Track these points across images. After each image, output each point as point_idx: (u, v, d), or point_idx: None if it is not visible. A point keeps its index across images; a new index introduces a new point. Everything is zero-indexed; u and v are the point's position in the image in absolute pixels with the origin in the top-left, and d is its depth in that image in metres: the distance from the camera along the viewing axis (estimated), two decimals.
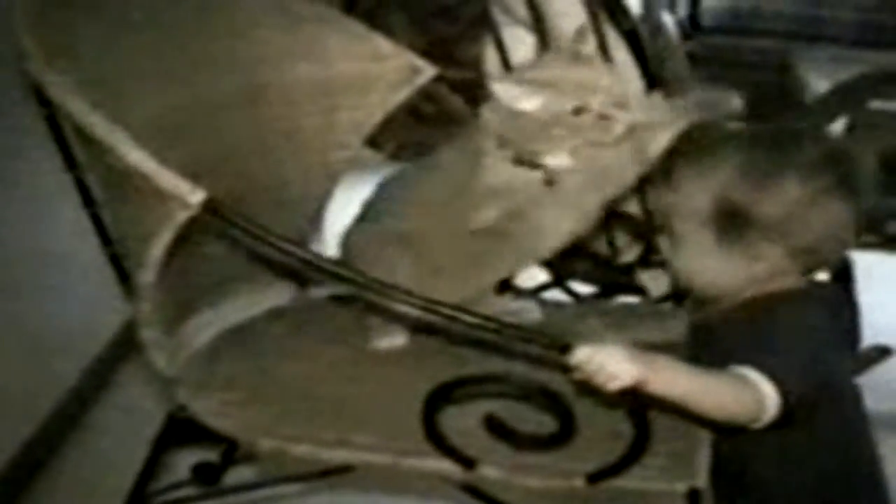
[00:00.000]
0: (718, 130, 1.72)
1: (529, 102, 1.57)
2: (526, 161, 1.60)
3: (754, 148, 1.55)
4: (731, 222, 1.51)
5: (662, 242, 1.65)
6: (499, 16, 2.06)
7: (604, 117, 1.57)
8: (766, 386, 1.40)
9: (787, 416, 1.42)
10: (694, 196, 1.55)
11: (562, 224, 1.65)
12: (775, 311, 1.52)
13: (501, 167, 1.61)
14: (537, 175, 1.60)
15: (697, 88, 3.07)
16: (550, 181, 1.60)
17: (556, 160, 1.59)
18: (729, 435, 1.51)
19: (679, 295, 1.87)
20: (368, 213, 1.80)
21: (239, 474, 2.05)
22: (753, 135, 1.61)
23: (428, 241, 1.68)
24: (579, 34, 1.65)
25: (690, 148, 1.58)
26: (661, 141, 1.60)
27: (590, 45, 1.66)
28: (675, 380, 1.37)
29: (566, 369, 1.35)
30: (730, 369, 1.41)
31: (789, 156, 1.52)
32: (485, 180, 1.63)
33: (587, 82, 1.59)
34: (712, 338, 1.58)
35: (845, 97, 2.77)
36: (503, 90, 1.58)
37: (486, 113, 1.63)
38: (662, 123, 1.63)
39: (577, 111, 1.56)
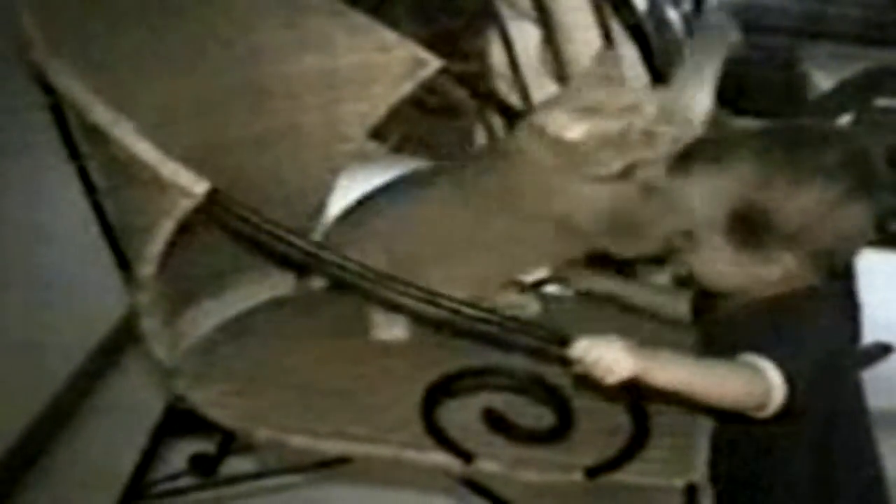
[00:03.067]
0: (735, 132, 1.71)
1: (577, 130, 1.57)
2: (627, 174, 1.61)
3: (772, 150, 1.52)
4: (750, 227, 1.50)
5: (678, 242, 1.63)
6: (503, 8, 2.06)
7: (648, 134, 1.58)
8: (773, 373, 1.39)
9: (788, 413, 1.41)
10: (711, 199, 1.53)
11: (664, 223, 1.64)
12: (786, 310, 1.52)
13: (585, 188, 1.62)
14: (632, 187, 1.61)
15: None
16: (650, 187, 1.61)
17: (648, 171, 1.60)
18: (730, 430, 1.51)
19: (697, 310, 1.87)
20: (356, 216, 1.80)
21: (236, 465, 2.05)
22: (771, 136, 1.59)
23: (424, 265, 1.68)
24: (598, 59, 1.66)
25: (707, 148, 1.58)
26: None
27: (615, 69, 1.66)
28: (676, 371, 1.36)
29: (565, 362, 1.35)
30: (737, 358, 1.40)
31: (809, 159, 1.50)
32: (567, 205, 1.63)
33: (628, 104, 1.60)
34: (721, 337, 1.57)
35: (850, 94, 2.77)
36: (551, 121, 1.58)
37: (525, 141, 1.63)
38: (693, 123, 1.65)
39: (623, 133, 1.58)
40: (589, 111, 1.59)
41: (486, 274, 1.73)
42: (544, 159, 1.61)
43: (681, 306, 1.75)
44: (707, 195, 1.53)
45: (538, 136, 1.61)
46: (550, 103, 1.69)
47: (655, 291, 1.86)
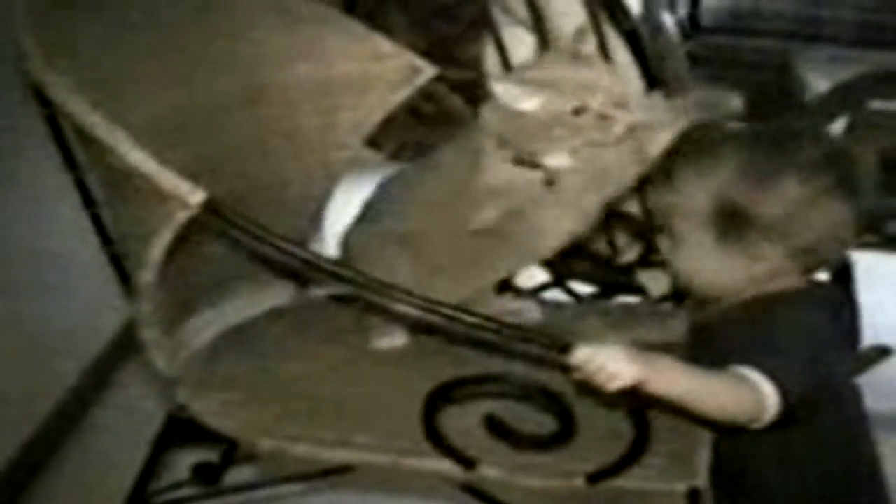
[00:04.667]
0: (718, 130, 1.72)
1: (529, 102, 1.56)
2: (526, 161, 1.59)
3: (754, 148, 1.55)
4: (732, 222, 1.52)
5: (662, 242, 1.65)
6: (499, 16, 2.06)
7: (604, 117, 1.56)
8: (766, 386, 1.40)
9: (787, 416, 1.42)
10: (694, 196, 1.55)
11: (562, 224, 1.65)
12: (775, 311, 1.52)
13: (501, 167, 1.61)
14: (537, 175, 1.60)
15: (697, 88, 3.07)
16: (550, 181, 1.60)
17: (556, 160, 1.59)
18: (729, 435, 1.51)
19: (679, 295, 1.87)
20: (368, 214, 1.79)
21: (239, 474, 2.05)
22: (753, 135, 1.61)
23: (428, 241, 1.68)
24: (579, 34, 1.65)
25: (690, 148, 1.58)
26: (661, 141, 1.60)
27: (590, 45, 1.65)
28: (675, 380, 1.37)
29: (566, 369, 1.35)
30: (730, 369, 1.41)
31: (789, 156, 1.52)
32: (485, 180, 1.63)
33: (587, 82, 1.58)
34: (712, 338, 1.58)
35: (845, 97, 2.77)
36: (503, 90, 1.58)
37: (486, 113, 1.63)
38: (662, 123, 1.63)
39: (577, 111, 1.56)
40: (544, 85, 1.58)
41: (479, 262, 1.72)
42: (495, 128, 1.61)
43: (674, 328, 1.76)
44: (691, 191, 1.54)
45: (493, 105, 1.61)
46: (510, 74, 1.69)
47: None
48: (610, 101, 1.57)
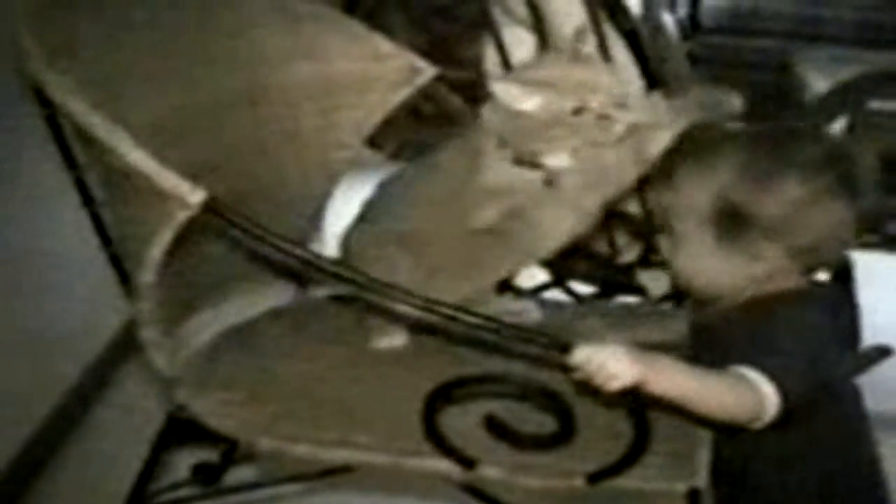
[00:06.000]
0: (718, 130, 1.72)
1: (529, 102, 1.56)
2: (526, 161, 1.59)
3: (754, 147, 1.55)
4: (731, 222, 1.52)
5: (662, 242, 1.65)
6: (499, 16, 2.06)
7: (603, 117, 1.56)
8: (766, 386, 1.40)
9: (787, 416, 1.42)
10: (694, 196, 1.55)
11: (561, 224, 1.65)
12: (775, 311, 1.52)
13: (501, 167, 1.61)
14: (537, 175, 1.60)
15: (697, 88, 3.07)
16: (550, 181, 1.60)
17: (556, 160, 1.59)
18: (729, 435, 1.51)
19: (679, 295, 1.87)
20: (368, 214, 1.79)
21: (239, 474, 2.05)
22: (753, 134, 1.61)
23: (428, 241, 1.68)
24: (579, 34, 1.65)
25: (690, 148, 1.58)
26: (661, 141, 1.60)
27: (589, 45, 1.65)
28: (675, 380, 1.37)
29: (566, 369, 1.35)
30: (730, 369, 1.41)
31: (789, 155, 1.52)
32: (485, 180, 1.63)
33: (587, 82, 1.58)
34: (712, 338, 1.58)
35: (845, 97, 2.77)
36: (503, 90, 1.58)
37: (486, 113, 1.63)
38: (662, 123, 1.63)
39: (577, 111, 1.56)
40: (544, 85, 1.58)
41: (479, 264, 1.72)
42: (496, 128, 1.61)
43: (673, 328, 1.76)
44: (690, 192, 1.54)
45: (493, 105, 1.61)
46: (510, 74, 1.69)
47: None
48: (610, 101, 1.57)
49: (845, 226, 1.53)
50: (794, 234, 1.50)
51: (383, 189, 1.81)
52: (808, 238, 1.51)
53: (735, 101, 2.89)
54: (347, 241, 1.79)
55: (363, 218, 1.80)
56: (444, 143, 1.77)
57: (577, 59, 1.62)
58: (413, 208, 1.73)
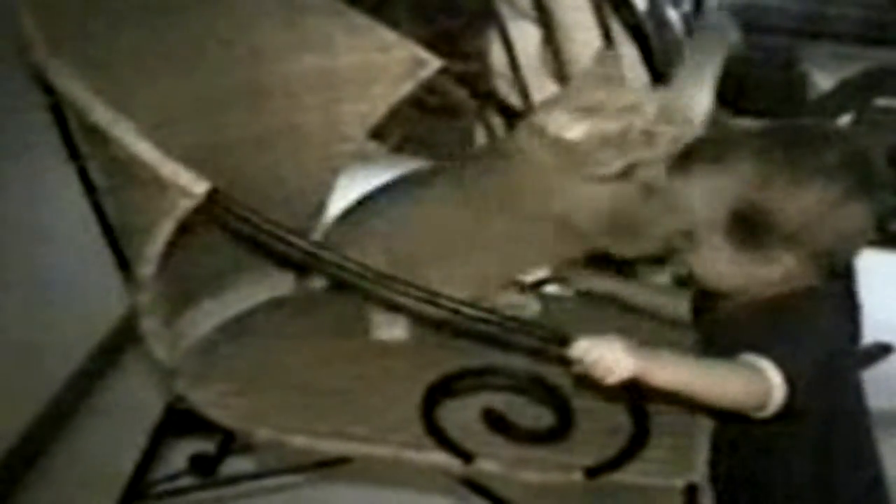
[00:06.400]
0: (734, 130, 1.71)
1: (577, 130, 1.57)
2: (627, 174, 1.61)
3: (772, 151, 1.52)
4: (749, 226, 1.50)
5: (678, 244, 1.63)
6: (503, 8, 2.06)
7: (648, 134, 1.57)
8: (773, 372, 1.39)
9: (791, 409, 1.41)
10: (711, 199, 1.53)
11: (664, 223, 1.64)
12: (786, 309, 1.52)
13: (575, 190, 1.61)
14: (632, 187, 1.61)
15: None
16: (650, 188, 1.60)
17: (651, 172, 1.60)
18: (733, 425, 1.50)
19: (697, 310, 1.87)
20: (357, 215, 1.80)
21: (236, 465, 2.05)
22: (770, 136, 1.58)
23: (433, 265, 1.68)
24: (598, 59, 1.66)
25: (707, 148, 1.58)
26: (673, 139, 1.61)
27: (615, 69, 1.66)
28: (676, 371, 1.36)
29: (565, 362, 1.35)
30: (737, 358, 1.40)
31: (809, 159, 1.50)
32: (559, 206, 1.63)
33: (628, 104, 1.60)
34: (723, 336, 1.57)
35: (850, 94, 2.77)
36: (552, 121, 1.58)
37: (526, 142, 1.63)
38: (676, 121, 1.64)
39: (623, 133, 1.57)
40: (589, 111, 1.59)
41: (485, 274, 1.72)
42: (544, 159, 1.61)
43: (681, 306, 1.75)
44: (707, 195, 1.53)
45: (538, 136, 1.61)
46: (550, 103, 1.69)
47: (655, 292, 1.86)
48: (652, 118, 1.58)
49: (864, 228, 1.52)
50: (813, 239, 1.49)
51: (381, 198, 1.81)
52: (827, 242, 1.49)
53: (733, 35, 2.88)
54: (326, 237, 1.80)
55: (347, 216, 1.81)
56: (457, 165, 1.78)
57: (610, 82, 1.63)
58: (415, 218, 1.73)
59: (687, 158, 1.56)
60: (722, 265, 1.54)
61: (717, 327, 1.60)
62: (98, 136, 1.43)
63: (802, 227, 1.47)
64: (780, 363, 1.39)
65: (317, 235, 1.88)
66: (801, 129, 1.62)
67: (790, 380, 1.39)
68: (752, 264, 1.51)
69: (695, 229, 1.54)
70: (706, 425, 1.56)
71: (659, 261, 1.83)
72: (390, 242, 1.70)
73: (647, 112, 1.59)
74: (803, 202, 1.47)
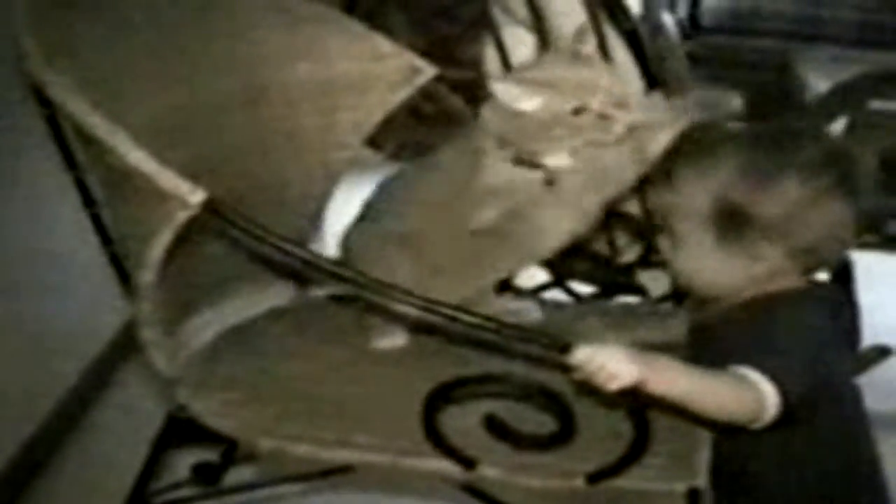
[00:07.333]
0: (718, 130, 1.72)
1: (529, 102, 1.57)
2: (526, 161, 1.60)
3: (754, 148, 1.55)
4: (731, 222, 1.51)
5: (662, 242, 1.65)
6: (499, 16, 2.06)
7: (604, 117, 1.57)
8: (766, 386, 1.40)
9: (787, 415, 1.42)
10: (694, 196, 1.55)
11: (562, 224, 1.65)
12: (775, 311, 1.52)
13: (501, 167, 1.61)
14: (537, 175, 1.60)
15: (697, 88, 3.07)
16: (551, 181, 1.60)
17: (556, 160, 1.59)
18: (729, 435, 1.51)
19: (679, 295, 1.87)
20: (368, 214, 1.79)
21: (239, 474, 2.05)
22: (753, 135, 1.61)
23: (428, 241, 1.68)
24: (579, 34, 1.65)
25: (690, 148, 1.58)
26: (661, 141, 1.60)
27: (589, 45, 1.65)
28: (675, 380, 1.37)
29: (566, 369, 1.35)
30: (729, 369, 1.41)
31: (789, 156, 1.52)
32: (484, 180, 1.63)
33: (587, 82, 1.58)
34: (712, 338, 1.58)
35: (845, 97, 2.77)
36: (503, 90, 1.58)
37: (486, 113, 1.63)
38: (662, 123, 1.63)
39: (577, 111, 1.56)
40: (544, 85, 1.58)
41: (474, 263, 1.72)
42: (496, 128, 1.61)
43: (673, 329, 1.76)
44: (691, 192, 1.54)
45: (493, 105, 1.61)
46: (510, 74, 1.69)
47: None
48: (610, 100, 1.57)
49: (845, 226, 1.53)
50: (794, 234, 1.50)
51: (383, 189, 1.81)
52: (808, 238, 1.51)
53: (734, 102, 2.89)
54: (347, 240, 1.79)
55: (363, 218, 1.80)
56: (445, 143, 1.77)
57: (577, 60, 1.63)
58: (413, 208, 1.73)
59: (672, 157, 1.57)
60: (707, 262, 1.55)
61: (707, 330, 1.61)
62: (95, 146, 1.43)
63: (782, 221, 1.49)
64: (773, 375, 1.40)
65: (330, 241, 1.87)
66: (784, 128, 1.65)
67: (783, 392, 1.40)
68: (736, 260, 1.53)
69: (680, 227, 1.56)
70: (707, 430, 1.56)
71: (658, 263, 1.84)
72: (411, 248, 1.69)
73: (603, 92, 1.57)
74: (781, 196, 1.49)
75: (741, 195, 1.50)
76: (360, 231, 1.78)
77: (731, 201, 1.51)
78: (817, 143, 1.58)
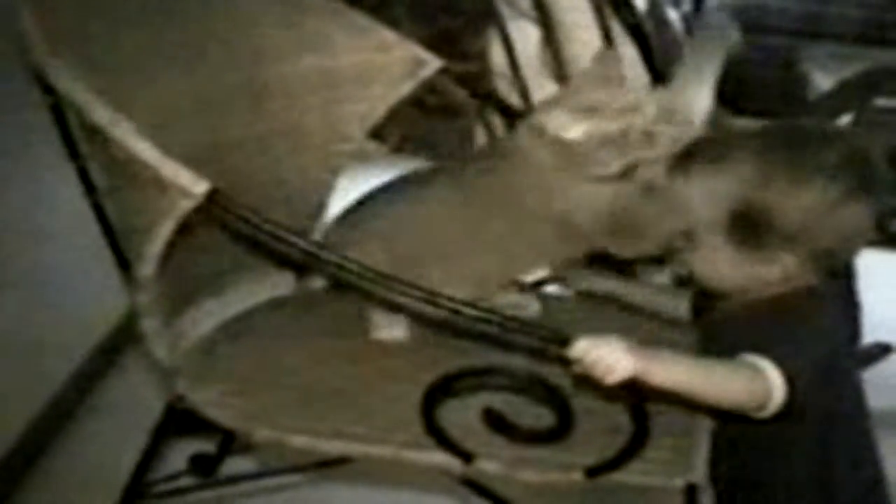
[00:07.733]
0: (734, 131, 1.71)
1: (577, 130, 1.57)
2: (627, 174, 1.61)
3: (772, 150, 1.52)
4: (749, 226, 1.49)
5: (677, 242, 1.63)
6: (503, 8, 2.06)
7: (648, 134, 1.58)
8: (773, 373, 1.39)
9: (789, 410, 1.41)
10: (711, 199, 1.53)
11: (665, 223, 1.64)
12: (786, 309, 1.51)
13: (574, 189, 1.61)
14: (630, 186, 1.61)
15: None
16: (651, 187, 1.60)
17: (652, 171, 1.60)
18: (733, 425, 1.50)
19: (697, 310, 1.87)
20: (351, 217, 1.80)
21: (236, 465, 2.05)
22: (770, 136, 1.58)
23: (425, 259, 1.68)
24: (600, 59, 1.66)
25: (706, 149, 1.57)
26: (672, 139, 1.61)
27: (615, 69, 1.66)
28: (677, 370, 1.36)
29: (566, 362, 1.35)
30: (737, 358, 1.40)
31: (809, 159, 1.50)
32: (559, 207, 1.63)
33: (628, 103, 1.60)
34: (721, 336, 1.57)
35: (850, 94, 2.77)
36: (550, 120, 1.59)
37: (525, 141, 1.63)
38: (676, 121, 1.64)
39: (623, 133, 1.58)
40: (589, 111, 1.59)
41: (485, 274, 1.72)
42: (544, 159, 1.61)
43: (681, 306, 1.75)
44: (707, 195, 1.53)
45: (538, 136, 1.61)
46: (550, 103, 1.69)
47: (655, 291, 1.86)
48: (651, 118, 1.58)
49: (864, 228, 1.52)
50: (813, 239, 1.48)
51: (369, 200, 1.81)
52: (827, 242, 1.49)
53: (734, 35, 2.87)
54: (326, 237, 1.80)
55: (345, 219, 1.81)
56: (457, 165, 1.78)
57: (609, 83, 1.63)
58: (426, 228, 1.73)
59: (687, 159, 1.56)
60: (722, 265, 1.54)
61: (717, 327, 1.60)
62: (98, 136, 1.43)
63: (802, 227, 1.47)
64: (780, 363, 1.39)
65: (317, 235, 1.88)
66: (800, 128, 1.62)
67: (790, 379, 1.39)
68: (752, 264, 1.51)
69: (695, 229, 1.54)
70: (706, 425, 1.56)
71: (659, 261, 1.83)
72: (391, 243, 1.70)
73: (646, 112, 1.59)
74: (803, 202, 1.47)
75: (760, 200, 1.48)
76: (340, 233, 1.79)
77: (750, 206, 1.49)
78: (836, 144, 1.55)
